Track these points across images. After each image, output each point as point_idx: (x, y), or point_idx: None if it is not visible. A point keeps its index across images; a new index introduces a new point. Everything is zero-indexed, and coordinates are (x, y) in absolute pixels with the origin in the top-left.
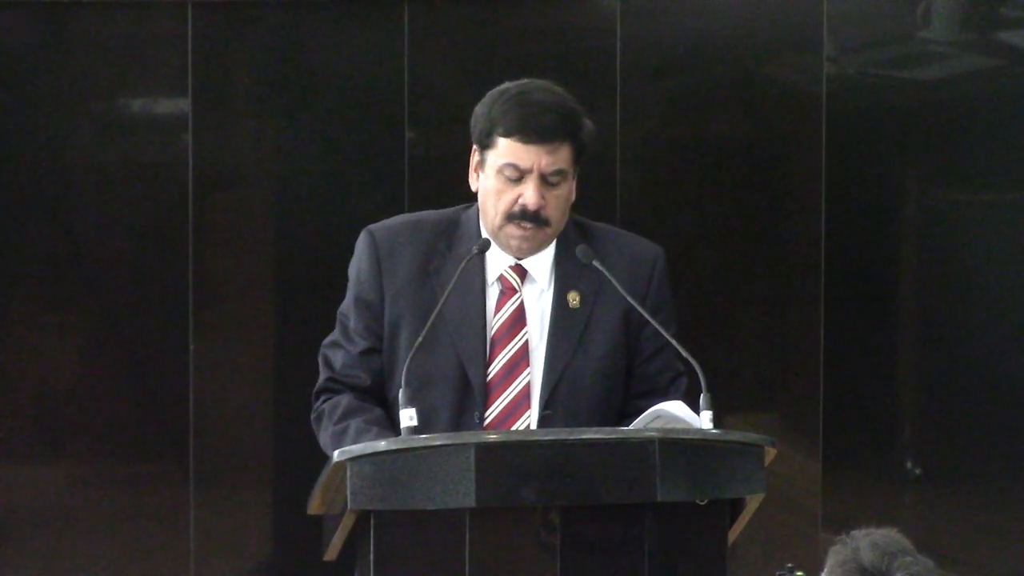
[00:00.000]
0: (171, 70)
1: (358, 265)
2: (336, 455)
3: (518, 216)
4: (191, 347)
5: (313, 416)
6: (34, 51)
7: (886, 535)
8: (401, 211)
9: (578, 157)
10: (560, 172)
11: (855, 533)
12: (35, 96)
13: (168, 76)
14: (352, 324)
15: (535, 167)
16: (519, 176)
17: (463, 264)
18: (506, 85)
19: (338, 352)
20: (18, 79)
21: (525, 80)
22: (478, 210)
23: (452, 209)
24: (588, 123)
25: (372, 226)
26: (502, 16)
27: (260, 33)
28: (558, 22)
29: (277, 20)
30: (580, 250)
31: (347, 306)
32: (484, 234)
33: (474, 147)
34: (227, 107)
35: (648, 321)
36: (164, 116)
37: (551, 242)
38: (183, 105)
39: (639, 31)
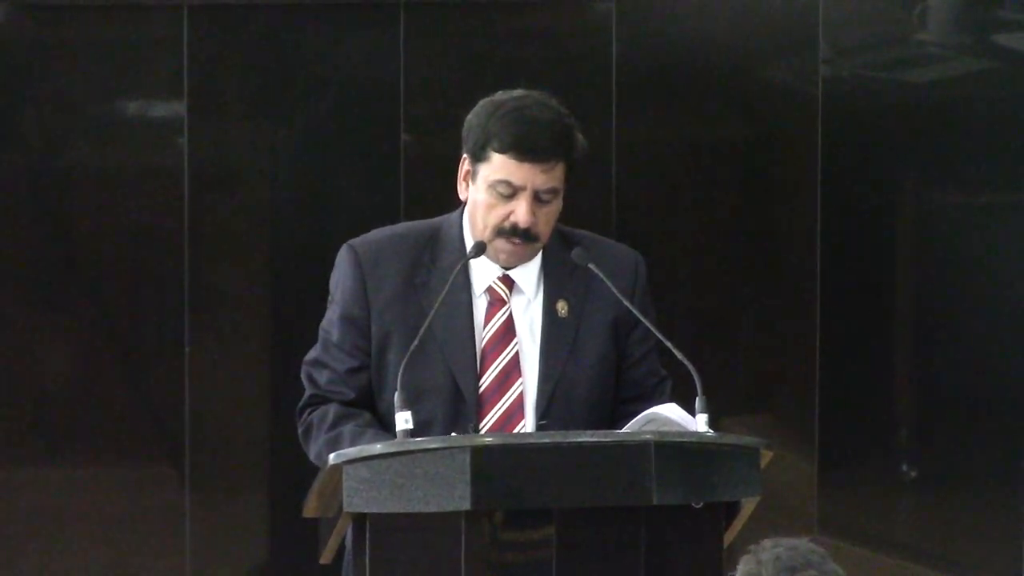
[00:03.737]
0: (167, 73)
1: (341, 281)
2: (331, 458)
3: (508, 232)
4: (187, 350)
5: (301, 430)
6: (30, 54)
7: (794, 547)
8: (397, 214)
9: (570, 174)
10: (553, 191)
11: (766, 543)
12: (31, 99)
13: (164, 79)
14: (336, 341)
15: (529, 185)
16: (512, 193)
17: (459, 266)
18: (501, 97)
19: (323, 371)
20: (14, 81)
21: (521, 92)
22: (460, 217)
23: (432, 220)
24: (581, 139)
25: (353, 241)
26: (498, 19)
27: (256, 36)
28: (554, 25)
29: (273, 23)
30: (576, 253)
31: (330, 322)
32: (470, 242)
33: (464, 156)
34: (223, 110)
35: (635, 326)
36: (160, 119)
37: (537, 253)
38: (179, 108)
39: (635, 34)
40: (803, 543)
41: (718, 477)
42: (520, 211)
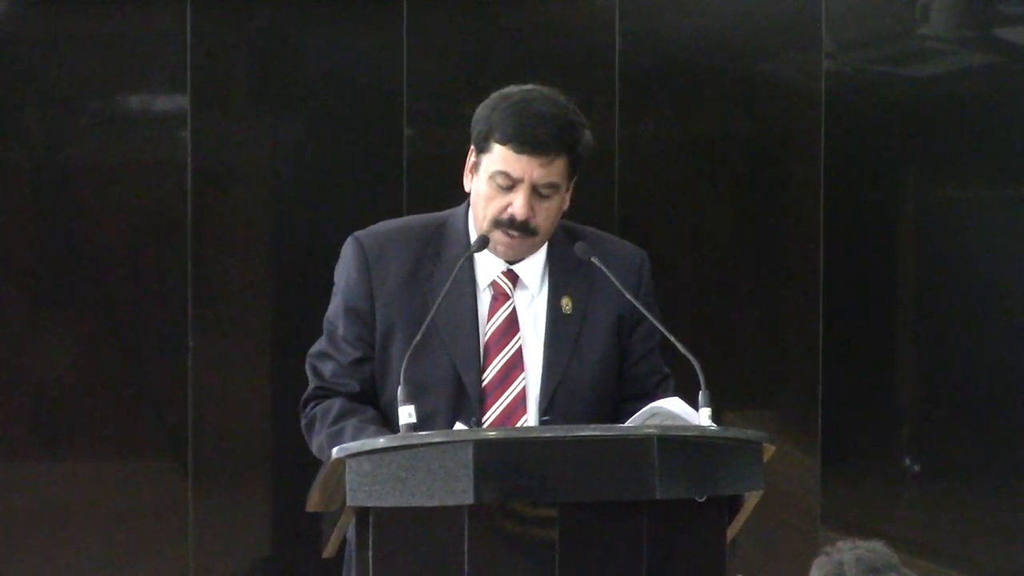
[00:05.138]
0: (170, 67)
1: (346, 272)
2: (335, 452)
3: (506, 224)
4: (190, 344)
5: (304, 423)
6: (32, 48)
7: (872, 549)
8: (399, 209)
9: (574, 170)
10: (553, 185)
11: (841, 545)
12: (34, 93)
13: (167, 73)
14: (341, 333)
15: (527, 177)
16: (511, 184)
17: (462, 260)
18: (510, 89)
19: (327, 362)
20: (16, 75)
21: (530, 86)
22: (466, 212)
23: (438, 213)
24: (587, 135)
25: (359, 232)
26: (501, 14)
27: (258, 30)
28: (557, 20)
29: (275, 17)
30: (579, 247)
31: (335, 314)
32: (474, 235)
33: (471, 148)
34: (225, 104)
35: (638, 324)
36: (163, 113)
37: (539, 248)
38: (182, 102)
39: (638, 29)
40: (879, 546)
41: (721, 471)
42: (517, 203)
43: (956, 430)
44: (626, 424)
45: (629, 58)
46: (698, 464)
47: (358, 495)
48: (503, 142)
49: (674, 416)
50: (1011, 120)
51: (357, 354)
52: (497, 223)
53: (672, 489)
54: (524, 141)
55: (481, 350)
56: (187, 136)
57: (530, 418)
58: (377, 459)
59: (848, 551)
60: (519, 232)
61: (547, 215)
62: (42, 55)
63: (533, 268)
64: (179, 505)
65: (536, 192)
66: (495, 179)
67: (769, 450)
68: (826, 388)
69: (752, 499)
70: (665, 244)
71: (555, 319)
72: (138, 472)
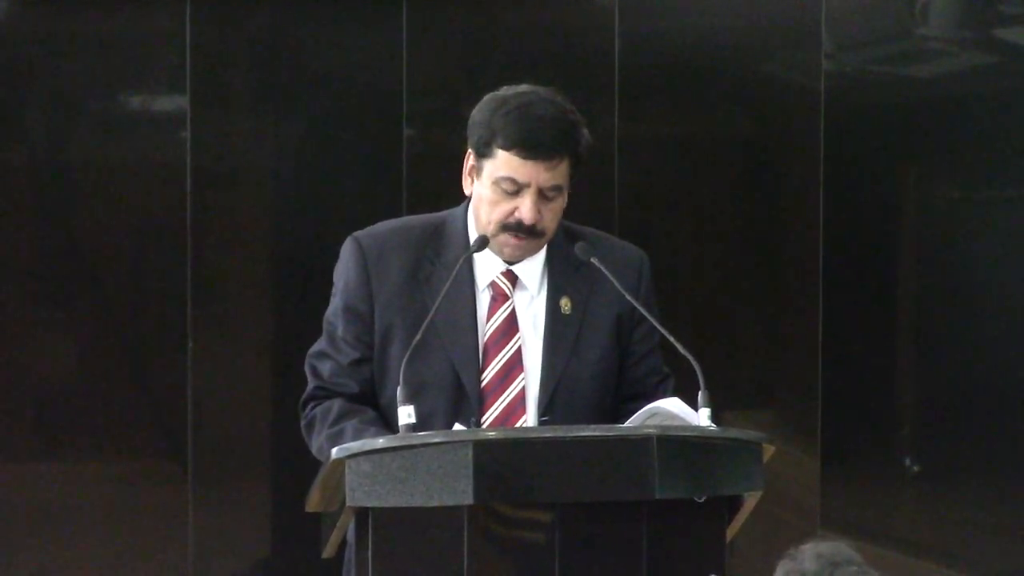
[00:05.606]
0: (169, 67)
1: (345, 273)
2: (334, 452)
3: (513, 228)
4: (189, 344)
5: (303, 423)
6: (32, 48)
7: (833, 547)
8: (399, 209)
9: (575, 170)
10: (558, 187)
11: (802, 547)
12: (34, 93)
13: (166, 73)
14: (340, 333)
15: (533, 182)
16: (516, 190)
17: (461, 260)
18: (506, 93)
19: (326, 362)
20: (16, 76)
21: (526, 88)
22: (464, 212)
23: (437, 214)
24: (586, 134)
25: (358, 233)
26: (500, 14)
27: (258, 31)
28: (557, 20)
29: (275, 18)
30: (579, 247)
31: (334, 314)
32: (474, 236)
33: (469, 151)
34: (225, 105)
35: (638, 324)
36: (162, 114)
37: (542, 248)
38: (181, 103)
39: (637, 28)
40: (841, 544)
41: (721, 472)
42: (525, 208)
43: (956, 430)
44: (626, 424)
45: (629, 58)
46: (697, 464)
47: (358, 495)
48: (507, 148)
49: (674, 416)
50: (1011, 120)
51: (356, 355)
52: (505, 227)
53: (672, 490)
54: (530, 147)
55: (480, 350)
56: (187, 137)
57: (529, 418)
58: (377, 459)
59: (810, 550)
60: (526, 235)
61: (552, 216)
62: (42, 55)
63: (532, 268)
64: (178, 505)
65: (542, 195)
66: (500, 184)
67: (769, 451)
68: (826, 388)
69: (751, 500)
70: (665, 244)
71: (554, 319)
72: (137, 472)
